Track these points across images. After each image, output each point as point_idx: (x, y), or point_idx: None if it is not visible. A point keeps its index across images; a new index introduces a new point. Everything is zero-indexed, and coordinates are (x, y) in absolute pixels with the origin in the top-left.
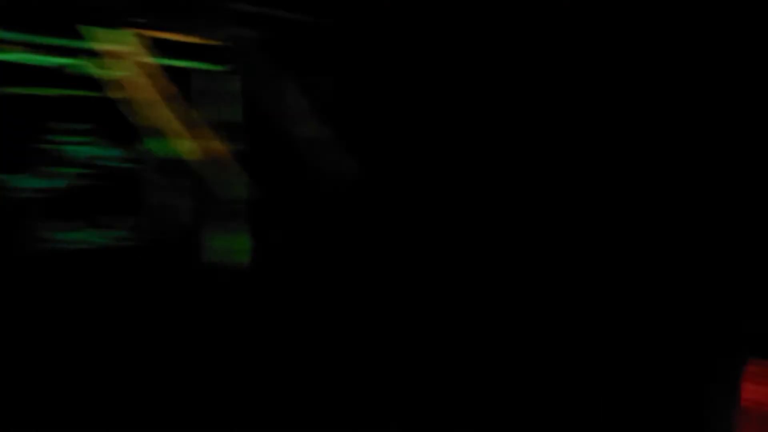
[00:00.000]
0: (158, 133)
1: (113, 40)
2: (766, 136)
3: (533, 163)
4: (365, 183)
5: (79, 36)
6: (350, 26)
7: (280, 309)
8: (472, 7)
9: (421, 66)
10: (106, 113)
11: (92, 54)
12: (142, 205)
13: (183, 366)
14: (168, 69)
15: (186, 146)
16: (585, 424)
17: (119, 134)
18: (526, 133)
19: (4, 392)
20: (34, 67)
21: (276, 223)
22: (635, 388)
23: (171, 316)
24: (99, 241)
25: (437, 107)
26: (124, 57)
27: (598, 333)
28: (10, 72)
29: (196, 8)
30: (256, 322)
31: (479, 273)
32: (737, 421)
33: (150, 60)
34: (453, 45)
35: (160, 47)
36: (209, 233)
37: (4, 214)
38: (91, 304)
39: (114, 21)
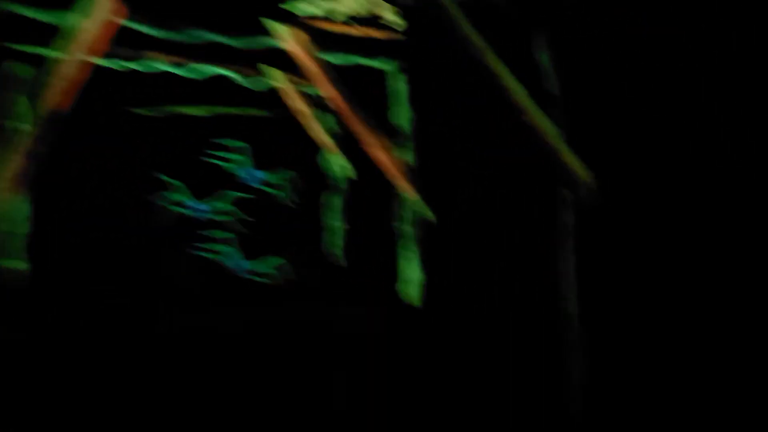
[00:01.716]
0: (322, 148)
1: (277, 36)
2: None
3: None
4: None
5: (237, 34)
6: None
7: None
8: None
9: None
10: (264, 130)
11: (251, 58)
12: (303, 231)
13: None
14: (334, 69)
15: (350, 161)
16: None
17: (280, 153)
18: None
19: None
20: (189, 83)
21: (456, 251)
22: None
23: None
24: (262, 269)
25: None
26: (288, 55)
27: None
28: (164, 88)
29: None
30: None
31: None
32: None
33: (316, 57)
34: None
35: (325, 43)
36: (377, 262)
37: (163, 230)
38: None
39: (277, 13)
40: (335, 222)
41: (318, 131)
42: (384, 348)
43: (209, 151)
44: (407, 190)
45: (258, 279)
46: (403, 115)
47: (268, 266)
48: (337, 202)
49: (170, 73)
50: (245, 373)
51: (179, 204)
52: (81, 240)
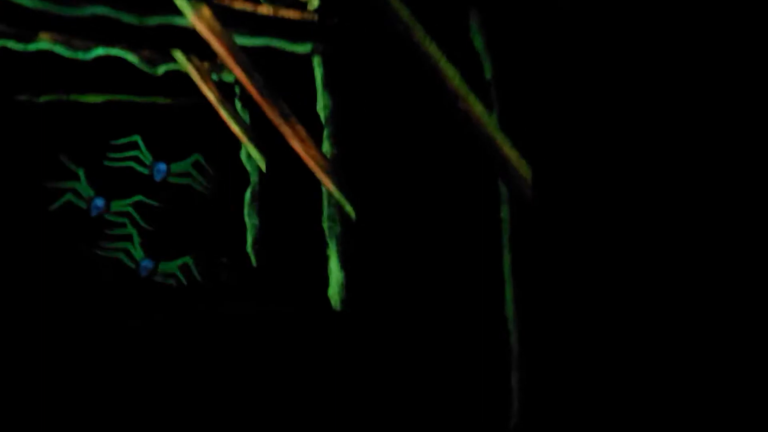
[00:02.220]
0: (234, 139)
1: (183, 14)
2: None
3: None
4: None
5: (136, 10)
6: None
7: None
8: None
9: None
10: (168, 119)
11: (153, 39)
12: (212, 228)
13: None
14: (246, 51)
15: (264, 153)
16: None
17: (185, 145)
18: None
19: None
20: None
21: (381, 250)
22: None
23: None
24: (166, 270)
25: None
26: (195, 36)
27: None
28: (52, 72)
29: None
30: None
31: None
32: None
33: (226, 38)
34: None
35: (236, 22)
36: (294, 262)
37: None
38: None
39: None
40: (247, 219)
41: (229, 120)
42: (300, 354)
43: (107, 144)
44: (327, 184)
45: (162, 280)
46: (321, 102)
47: (172, 266)
48: (249, 197)
49: (58, 54)
50: (144, 377)
51: (77, 197)
52: None
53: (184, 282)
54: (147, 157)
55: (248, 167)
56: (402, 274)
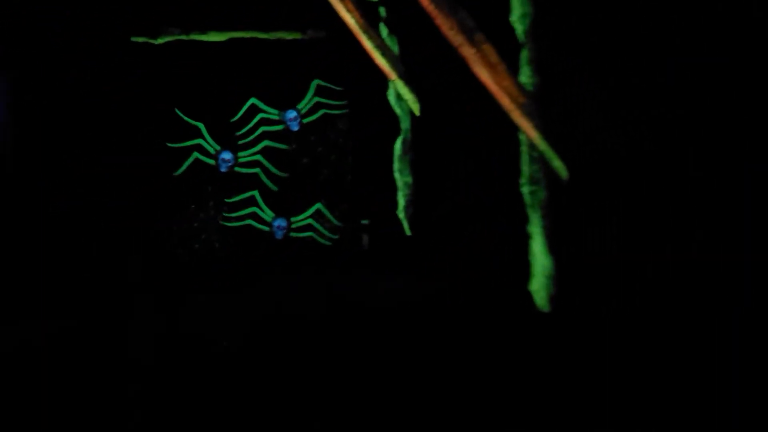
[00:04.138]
0: (380, 77)
1: None
2: None
3: None
4: None
5: None
6: None
7: None
8: None
9: None
10: (300, 56)
11: None
12: (353, 187)
13: None
14: None
15: (419, 94)
16: None
17: (320, 86)
18: None
19: None
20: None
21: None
22: None
23: None
24: (303, 224)
25: None
26: None
27: None
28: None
29: None
30: None
31: None
32: None
33: None
34: None
35: None
36: (475, 241)
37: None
38: None
39: None
40: (398, 176)
41: (373, 52)
42: (485, 370)
43: (230, 91)
44: (526, 130)
45: (299, 238)
46: (517, 12)
47: (306, 219)
48: (400, 148)
49: None
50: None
51: (203, 154)
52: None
53: (322, 233)
54: (273, 112)
55: (398, 111)
56: (647, 264)
